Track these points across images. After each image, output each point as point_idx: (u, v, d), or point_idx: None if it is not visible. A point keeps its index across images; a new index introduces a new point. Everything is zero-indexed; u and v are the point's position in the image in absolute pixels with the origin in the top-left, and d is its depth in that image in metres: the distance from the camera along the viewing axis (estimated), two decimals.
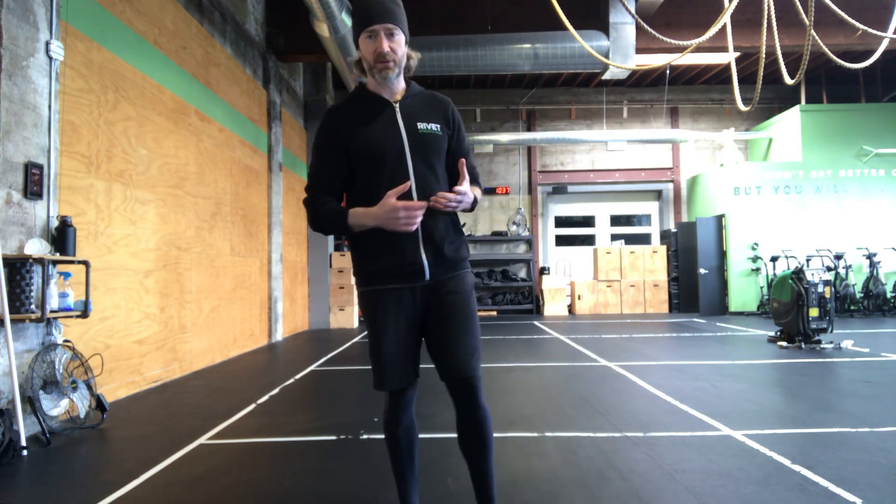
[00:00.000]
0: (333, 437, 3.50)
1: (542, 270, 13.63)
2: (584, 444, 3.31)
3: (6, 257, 3.42)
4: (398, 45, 1.91)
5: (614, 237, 14.42)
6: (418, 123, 1.96)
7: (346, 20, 7.04)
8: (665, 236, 13.66)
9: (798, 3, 4.93)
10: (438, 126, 1.99)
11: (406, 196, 1.88)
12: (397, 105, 1.97)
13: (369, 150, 1.92)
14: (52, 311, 3.64)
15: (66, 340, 3.89)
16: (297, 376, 5.66)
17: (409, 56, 1.98)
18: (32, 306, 3.53)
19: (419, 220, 1.83)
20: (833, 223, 11.85)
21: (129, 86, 4.93)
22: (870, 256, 11.40)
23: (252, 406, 4.42)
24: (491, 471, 2.00)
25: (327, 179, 1.97)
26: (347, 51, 7.53)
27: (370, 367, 2.03)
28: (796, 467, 2.83)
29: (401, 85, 2.01)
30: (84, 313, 3.91)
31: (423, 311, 1.98)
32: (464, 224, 13.56)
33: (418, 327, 1.99)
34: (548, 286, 13.12)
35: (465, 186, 1.91)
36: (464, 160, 1.99)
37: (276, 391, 4.97)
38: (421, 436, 2.06)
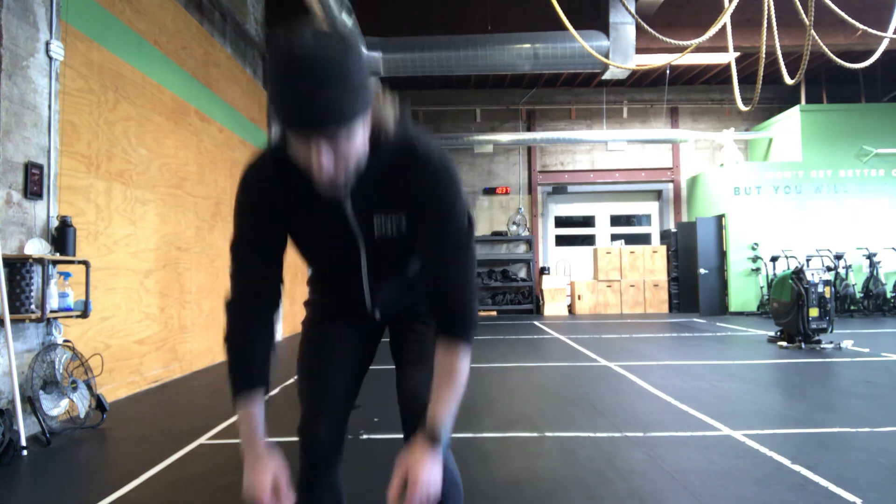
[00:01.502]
0: None
1: (542, 270, 13.63)
2: (584, 444, 3.31)
3: (6, 257, 3.42)
4: (349, 149, 1.13)
5: (614, 237, 14.42)
6: (374, 220, 1.35)
7: (346, 20, 7.05)
8: (665, 236, 13.66)
9: (798, 3, 4.93)
10: (402, 218, 1.34)
11: (355, 281, 1.46)
12: (348, 200, 1.31)
13: (300, 239, 1.44)
14: (52, 311, 3.64)
15: (66, 340, 3.89)
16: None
17: (379, 120, 1.25)
18: (32, 306, 3.53)
19: None
20: (833, 223, 11.85)
21: (129, 86, 4.93)
22: (870, 256, 11.40)
23: None
24: None
25: (255, 263, 1.38)
26: None
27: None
28: (796, 467, 2.83)
29: (358, 167, 1.25)
30: (84, 313, 3.91)
31: (370, 341, 1.63)
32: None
33: (365, 360, 1.62)
34: (548, 286, 13.11)
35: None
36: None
37: (276, 391, 4.97)
38: None
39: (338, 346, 1.53)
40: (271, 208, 1.34)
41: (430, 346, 1.42)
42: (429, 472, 1.24)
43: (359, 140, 1.15)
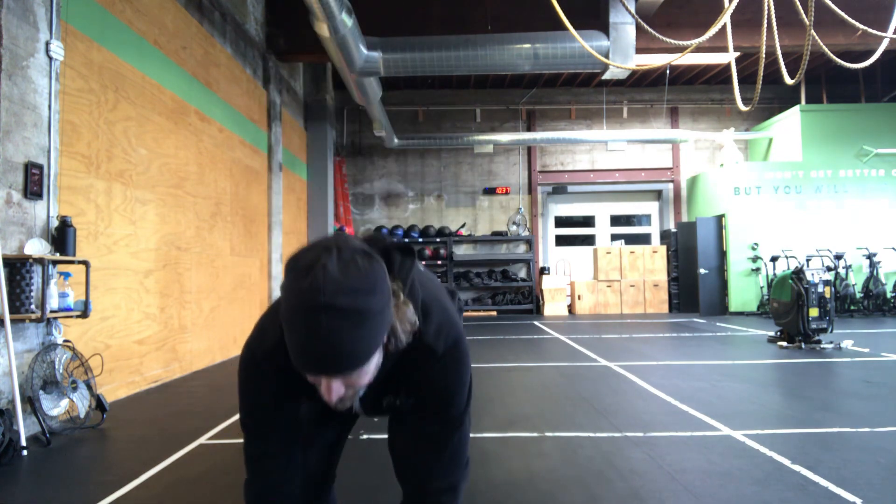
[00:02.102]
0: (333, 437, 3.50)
1: (542, 270, 13.63)
2: (584, 444, 3.30)
3: (6, 257, 3.42)
4: (363, 379, 1.14)
5: (614, 237, 14.42)
6: (383, 402, 1.40)
7: (346, 20, 7.04)
8: (665, 236, 13.66)
9: (798, 3, 4.93)
10: (407, 398, 1.39)
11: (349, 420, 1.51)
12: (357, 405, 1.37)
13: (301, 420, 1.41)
14: (52, 311, 3.64)
15: (66, 340, 3.89)
16: None
17: (395, 331, 1.18)
18: (32, 306, 3.53)
19: None
20: (833, 223, 11.85)
21: (129, 86, 4.93)
22: (870, 256, 11.40)
23: None
24: None
25: (280, 465, 1.36)
26: (347, 51, 7.52)
27: None
28: (796, 467, 2.83)
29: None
30: (84, 313, 3.91)
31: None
32: (464, 225, 13.64)
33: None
34: (548, 286, 13.11)
35: None
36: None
37: None
38: None
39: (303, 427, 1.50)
40: (278, 395, 1.32)
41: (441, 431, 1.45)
42: None
43: (373, 367, 1.14)
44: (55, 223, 3.84)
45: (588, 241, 14.52)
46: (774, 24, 5.05)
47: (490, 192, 13.89)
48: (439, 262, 13.15)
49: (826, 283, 6.87)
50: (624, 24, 8.64)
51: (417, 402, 1.37)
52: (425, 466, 1.39)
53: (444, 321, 1.32)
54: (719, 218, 12.12)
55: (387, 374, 1.27)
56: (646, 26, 5.40)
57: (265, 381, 1.30)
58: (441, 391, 1.34)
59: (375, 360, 1.13)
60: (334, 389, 1.09)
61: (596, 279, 13.28)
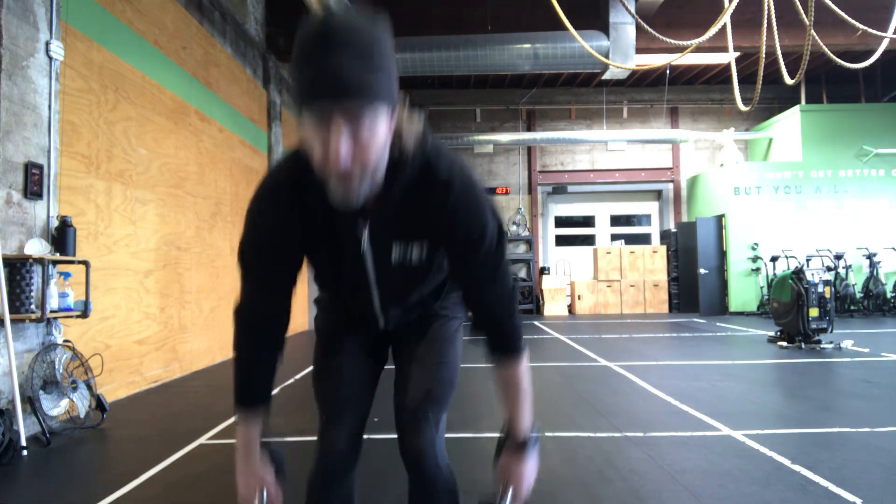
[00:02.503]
0: None
1: (542, 270, 13.64)
2: (584, 444, 3.31)
3: (6, 257, 3.42)
4: (370, 139, 1.03)
5: (614, 237, 14.42)
6: (393, 248, 1.30)
7: None
8: (665, 236, 13.66)
9: (798, 3, 4.93)
10: (424, 245, 1.31)
11: (370, 318, 1.48)
12: (366, 225, 1.25)
13: (313, 262, 1.39)
14: (52, 311, 3.64)
15: (66, 340, 3.89)
16: (298, 376, 5.66)
17: (400, 133, 1.16)
18: (32, 306, 3.53)
19: None
20: (833, 223, 11.85)
21: (129, 86, 4.93)
22: (870, 256, 11.40)
23: None
24: None
25: (266, 283, 1.33)
26: None
27: None
28: (796, 467, 2.83)
29: (376, 179, 1.14)
30: (84, 313, 3.91)
31: (382, 341, 1.61)
32: None
33: (376, 356, 1.60)
34: (548, 286, 13.11)
35: None
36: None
37: (276, 391, 4.97)
38: None
39: (350, 360, 1.52)
40: (284, 230, 1.27)
41: (433, 345, 1.48)
42: (530, 473, 1.34)
43: (381, 133, 1.05)
44: (55, 223, 3.84)
45: (588, 241, 14.52)
46: (774, 24, 5.06)
47: (490, 191, 13.89)
48: None
49: (826, 283, 6.87)
50: (624, 24, 8.65)
51: (436, 249, 1.31)
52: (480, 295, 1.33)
53: (458, 165, 1.24)
54: (719, 218, 12.12)
55: (398, 211, 1.23)
56: (646, 26, 5.40)
57: (267, 215, 1.28)
58: (465, 228, 1.23)
59: (383, 131, 1.05)
60: (342, 140, 0.99)
61: (596, 279, 13.28)
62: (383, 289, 1.39)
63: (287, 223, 1.26)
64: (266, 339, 1.38)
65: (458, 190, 1.21)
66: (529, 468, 1.33)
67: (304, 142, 1.08)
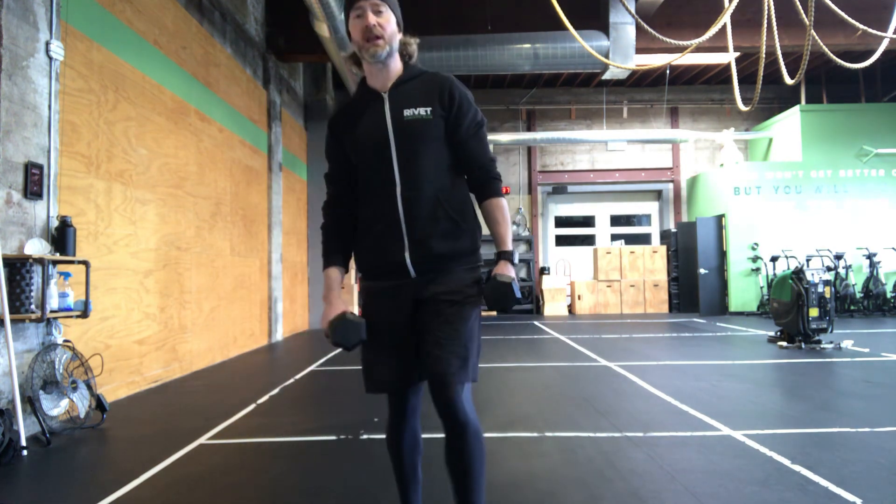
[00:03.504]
0: (333, 437, 3.50)
1: (542, 270, 13.64)
2: (584, 444, 3.31)
3: (6, 257, 3.42)
4: (386, 21, 1.80)
5: (614, 237, 14.42)
6: (405, 110, 1.83)
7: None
8: (665, 236, 13.67)
9: (798, 3, 4.94)
10: (429, 109, 1.83)
11: (390, 187, 1.83)
12: (386, 95, 1.87)
13: (356, 144, 1.88)
14: (52, 311, 3.64)
15: (66, 340, 3.89)
16: (298, 376, 5.66)
17: (407, 42, 1.91)
18: (32, 306, 3.53)
19: None
20: (833, 223, 11.85)
21: (129, 86, 4.93)
22: (870, 256, 11.40)
23: (252, 406, 4.42)
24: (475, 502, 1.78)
25: (337, 179, 1.98)
26: (347, 50, 7.54)
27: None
28: (796, 467, 2.83)
29: (395, 69, 1.88)
30: (84, 313, 3.91)
31: (413, 310, 1.87)
32: None
33: (411, 326, 1.87)
34: (548, 286, 13.11)
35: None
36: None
37: (276, 391, 4.97)
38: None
39: (390, 317, 1.89)
40: (337, 141, 1.95)
41: (463, 309, 1.83)
42: (511, 271, 1.84)
43: (393, 23, 1.83)
44: (55, 223, 3.84)
45: (588, 241, 14.52)
46: (774, 24, 5.06)
47: None
48: None
49: (826, 283, 6.87)
50: (624, 24, 8.65)
51: (437, 115, 1.84)
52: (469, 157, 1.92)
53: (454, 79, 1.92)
54: (719, 218, 12.12)
55: (409, 90, 1.87)
56: (646, 26, 5.40)
57: (329, 142, 1.98)
58: (457, 101, 1.86)
59: (393, 23, 1.83)
60: (370, 17, 1.78)
61: (596, 279, 13.28)
62: (402, 160, 1.83)
63: (340, 142, 1.95)
64: (342, 217, 1.98)
65: (452, 80, 1.89)
66: (510, 268, 1.83)
67: (350, 36, 1.85)
